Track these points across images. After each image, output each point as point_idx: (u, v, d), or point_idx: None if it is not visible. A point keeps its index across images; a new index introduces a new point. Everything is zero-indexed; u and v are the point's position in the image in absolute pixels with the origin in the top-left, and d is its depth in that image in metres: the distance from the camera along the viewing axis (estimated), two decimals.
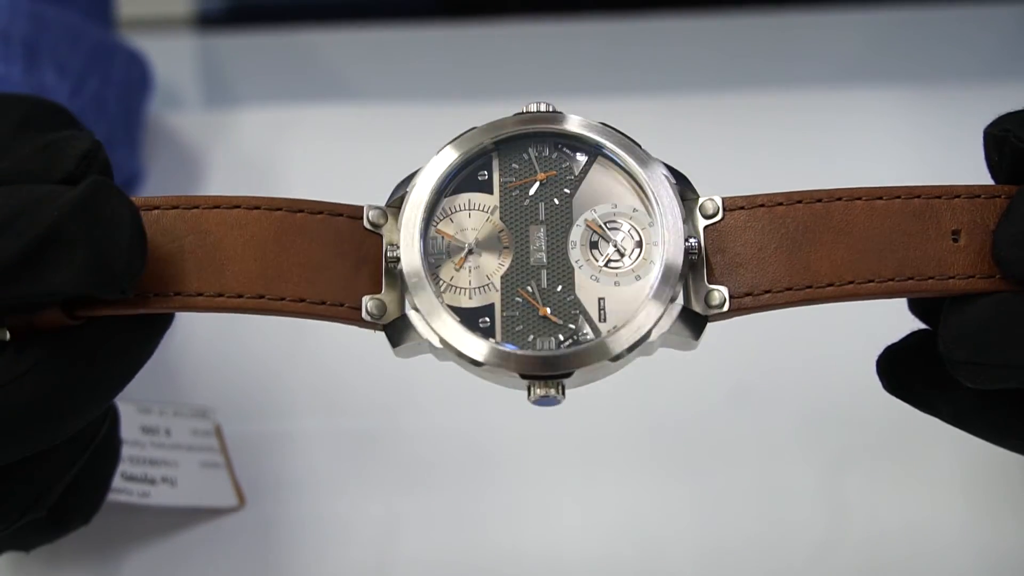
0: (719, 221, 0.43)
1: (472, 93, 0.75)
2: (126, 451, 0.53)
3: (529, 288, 0.43)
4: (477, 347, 0.42)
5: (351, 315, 0.42)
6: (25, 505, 0.43)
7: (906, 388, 0.44)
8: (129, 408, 0.54)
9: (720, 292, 0.42)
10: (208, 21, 0.82)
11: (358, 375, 0.60)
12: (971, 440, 0.44)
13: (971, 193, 0.42)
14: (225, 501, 0.56)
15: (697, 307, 0.42)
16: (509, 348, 0.42)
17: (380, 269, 0.43)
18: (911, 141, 0.70)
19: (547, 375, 0.41)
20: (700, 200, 0.44)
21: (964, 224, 0.42)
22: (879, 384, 0.45)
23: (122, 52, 0.69)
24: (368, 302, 0.42)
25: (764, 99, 0.73)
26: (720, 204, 0.43)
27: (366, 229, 0.43)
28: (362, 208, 0.43)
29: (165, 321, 0.42)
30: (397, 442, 0.58)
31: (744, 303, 0.42)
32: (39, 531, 0.47)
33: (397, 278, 0.43)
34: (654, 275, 0.42)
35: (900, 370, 0.44)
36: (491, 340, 0.42)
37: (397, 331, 0.42)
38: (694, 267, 0.42)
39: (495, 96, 0.75)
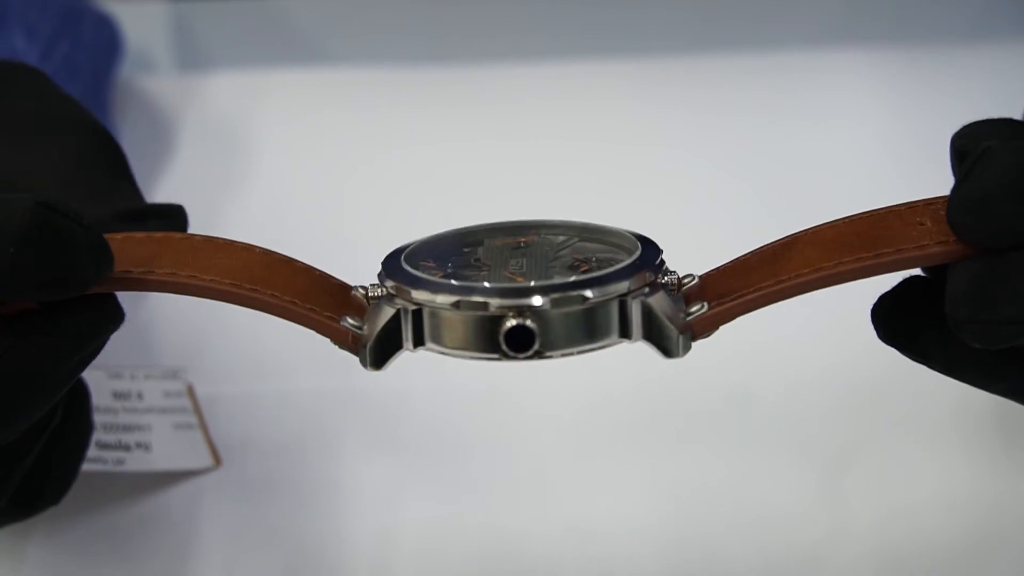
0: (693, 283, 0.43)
1: (447, 58, 0.74)
2: (99, 419, 0.53)
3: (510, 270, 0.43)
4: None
5: (331, 322, 0.42)
6: None
7: (901, 336, 0.43)
8: (99, 375, 0.54)
9: (698, 305, 0.43)
10: None
11: None
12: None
13: (930, 202, 0.43)
14: (200, 463, 0.56)
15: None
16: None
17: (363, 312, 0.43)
18: (890, 103, 0.69)
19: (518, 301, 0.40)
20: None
21: (928, 216, 0.42)
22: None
23: (92, 15, 0.68)
24: (349, 319, 0.42)
25: (741, 61, 0.73)
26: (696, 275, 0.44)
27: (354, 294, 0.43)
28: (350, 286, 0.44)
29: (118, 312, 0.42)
30: (370, 401, 0.58)
31: (723, 304, 0.42)
32: (5, 513, 0.46)
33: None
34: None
35: (895, 317, 0.44)
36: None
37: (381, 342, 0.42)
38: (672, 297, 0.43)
39: (471, 60, 0.74)
